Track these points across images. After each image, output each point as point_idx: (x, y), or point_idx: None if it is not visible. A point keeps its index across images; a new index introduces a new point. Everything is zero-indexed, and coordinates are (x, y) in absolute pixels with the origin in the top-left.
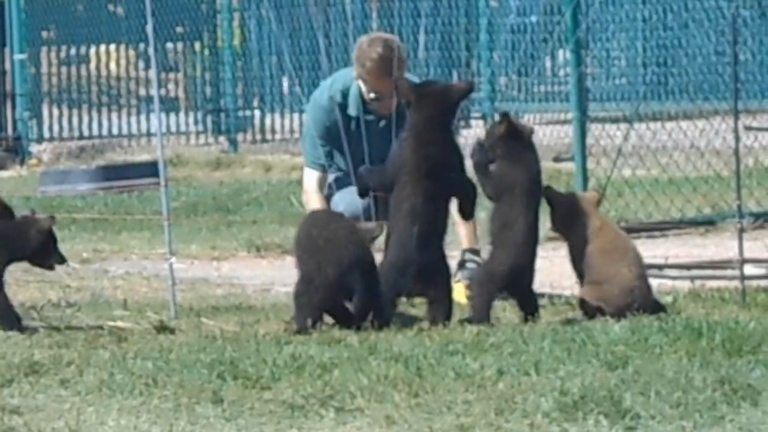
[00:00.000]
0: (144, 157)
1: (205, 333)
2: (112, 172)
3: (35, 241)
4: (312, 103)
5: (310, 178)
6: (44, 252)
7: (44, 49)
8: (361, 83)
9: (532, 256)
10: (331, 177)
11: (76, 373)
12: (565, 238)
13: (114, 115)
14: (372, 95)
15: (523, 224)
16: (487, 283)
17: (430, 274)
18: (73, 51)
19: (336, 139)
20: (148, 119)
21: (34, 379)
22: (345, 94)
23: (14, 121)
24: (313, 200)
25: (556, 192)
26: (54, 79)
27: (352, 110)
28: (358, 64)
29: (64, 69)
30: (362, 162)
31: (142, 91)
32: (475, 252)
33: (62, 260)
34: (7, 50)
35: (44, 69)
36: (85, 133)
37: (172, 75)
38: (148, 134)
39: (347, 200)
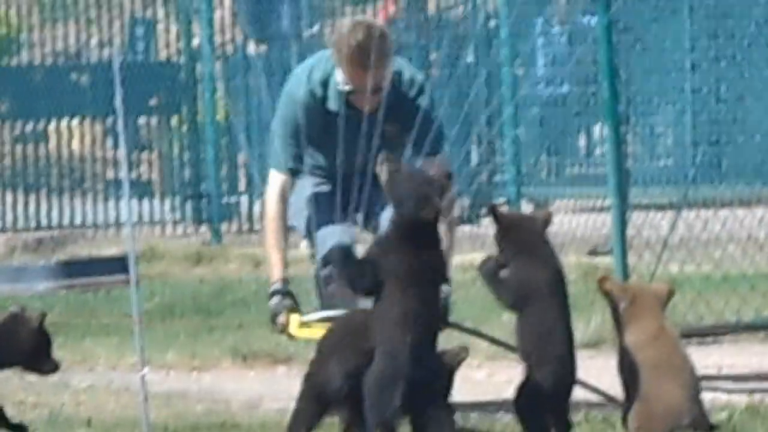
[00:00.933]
0: (112, 250)
1: None
2: (75, 269)
3: (28, 344)
4: (285, 98)
5: (275, 182)
6: (40, 355)
7: None
8: (338, 71)
9: (574, 367)
10: (308, 188)
11: None
12: (618, 333)
13: (77, 202)
14: (346, 87)
15: (561, 331)
16: (534, 407)
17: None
18: (29, 127)
19: (312, 138)
20: (116, 206)
21: None
22: (325, 85)
23: None
24: (270, 210)
25: (616, 283)
26: (7, 160)
27: (332, 104)
28: (335, 49)
29: (18, 148)
30: (344, 163)
31: (110, 174)
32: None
33: (56, 367)
34: None
35: None
36: (44, 222)
37: (144, 155)
38: (117, 224)
39: (335, 236)
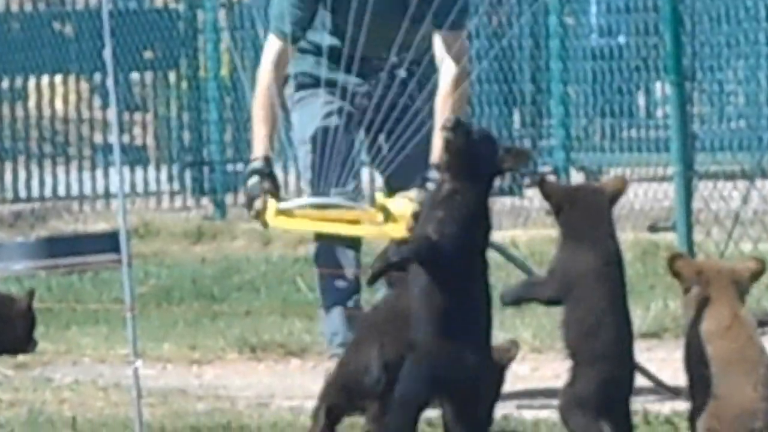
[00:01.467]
0: (100, 226)
1: None
2: (59, 246)
3: (16, 327)
4: None
5: (271, 48)
6: (24, 337)
7: None
8: None
9: (629, 364)
10: (316, 113)
11: None
12: (685, 321)
13: (60, 170)
14: None
15: (611, 325)
16: (579, 413)
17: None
18: (5, 84)
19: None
20: (105, 175)
21: None
22: None
23: None
24: (263, 79)
25: (689, 262)
26: None
27: None
28: None
29: None
30: (365, 44)
31: (98, 138)
32: None
33: (35, 345)
34: None
35: None
36: (22, 194)
37: (138, 116)
38: (107, 195)
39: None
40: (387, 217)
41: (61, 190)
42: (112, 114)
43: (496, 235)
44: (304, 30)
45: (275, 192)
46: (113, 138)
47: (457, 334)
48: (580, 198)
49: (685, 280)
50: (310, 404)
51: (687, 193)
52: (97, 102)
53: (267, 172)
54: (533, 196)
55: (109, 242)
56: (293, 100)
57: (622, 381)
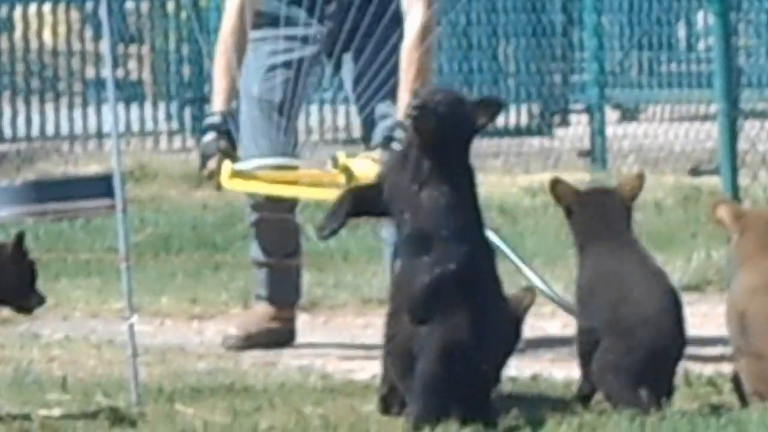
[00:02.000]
0: (93, 168)
1: (182, 426)
2: (47, 191)
3: (8, 277)
4: None
5: (232, 4)
6: (21, 289)
7: None
8: None
9: (668, 326)
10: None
11: None
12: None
13: (49, 108)
14: None
15: (643, 283)
16: (614, 377)
17: None
18: None
19: None
20: (98, 113)
21: None
22: None
23: None
24: (226, 25)
25: (734, 209)
26: None
27: None
28: None
29: None
30: None
31: (90, 73)
32: None
33: (41, 300)
34: None
35: None
36: (7, 133)
37: (133, 48)
38: (99, 135)
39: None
40: (350, 179)
41: (50, 130)
42: (105, 46)
43: (524, 179)
44: None
45: (232, 152)
46: (107, 72)
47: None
48: (593, 202)
49: (729, 228)
50: (320, 363)
51: (731, 133)
52: (89, 33)
53: (224, 129)
54: (564, 137)
55: (102, 186)
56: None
57: (659, 346)
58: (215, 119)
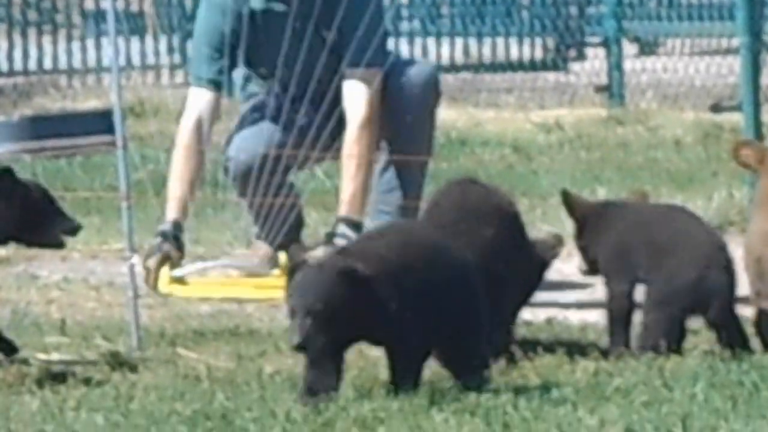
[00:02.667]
0: (92, 104)
1: (184, 371)
2: (45, 127)
3: (23, 210)
4: (204, 1)
5: (193, 102)
6: (41, 222)
7: None
8: None
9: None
10: (244, 106)
11: None
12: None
13: (47, 41)
14: None
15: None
16: (660, 310)
17: None
18: None
19: (238, 48)
20: (98, 47)
21: None
22: None
23: None
24: (182, 136)
25: (757, 148)
26: None
27: (255, 2)
28: None
29: None
30: (282, 75)
31: (90, 4)
32: (355, 225)
33: (74, 228)
34: None
35: None
36: (4, 67)
37: None
38: (99, 69)
39: (248, 142)
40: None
41: (48, 63)
42: None
43: (538, 115)
44: (226, 73)
45: (176, 258)
46: (107, 4)
47: None
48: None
49: (752, 168)
50: None
51: (754, 68)
52: None
53: (172, 236)
54: (580, 71)
55: (101, 122)
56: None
57: (704, 283)
58: (166, 227)
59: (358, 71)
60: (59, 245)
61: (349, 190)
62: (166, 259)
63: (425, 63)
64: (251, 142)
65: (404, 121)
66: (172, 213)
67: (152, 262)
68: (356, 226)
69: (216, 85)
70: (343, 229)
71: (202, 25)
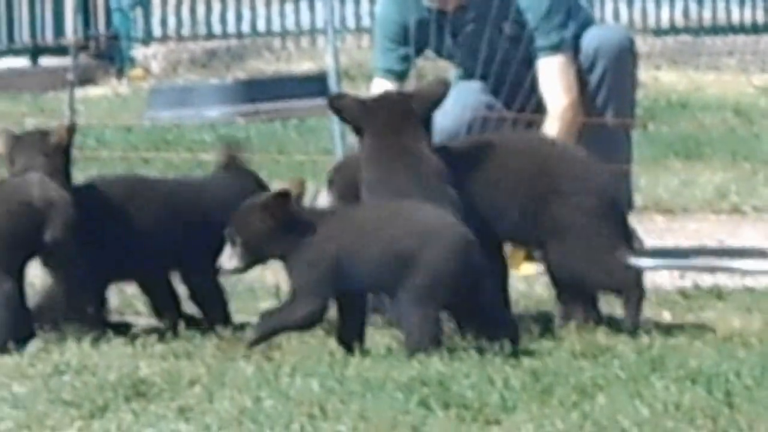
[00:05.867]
0: (306, 66)
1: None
2: (259, 89)
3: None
4: None
5: (376, 92)
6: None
7: None
8: None
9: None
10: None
11: (203, 398)
12: None
13: (260, 3)
14: None
15: None
16: None
17: None
18: None
19: (421, 41)
20: (311, 8)
21: (140, 406)
22: None
23: (108, 13)
24: None
25: None
26: None
27: None
28: None
29: None
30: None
31: None
32: None
33: None
34: None
35: None
36: (217, 30)
37: None
38: (313, 31)
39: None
40: None
41: (261, 26)
42: None
43: (760, 79)
44: (407, 61)
45: None
46: None
47: None
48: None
49: None
50: None
51: None
52: None
53: None
54: None
55: (316, 85)
56: None
57: None
58: None
59: (552, 59)
60: None
61: None
62: None
63: (618, 26)
64: (458, 106)
65: (603, 86)
66: None
67: None
68: None
69: (395, 75)
70: None
71: (379, 17)
